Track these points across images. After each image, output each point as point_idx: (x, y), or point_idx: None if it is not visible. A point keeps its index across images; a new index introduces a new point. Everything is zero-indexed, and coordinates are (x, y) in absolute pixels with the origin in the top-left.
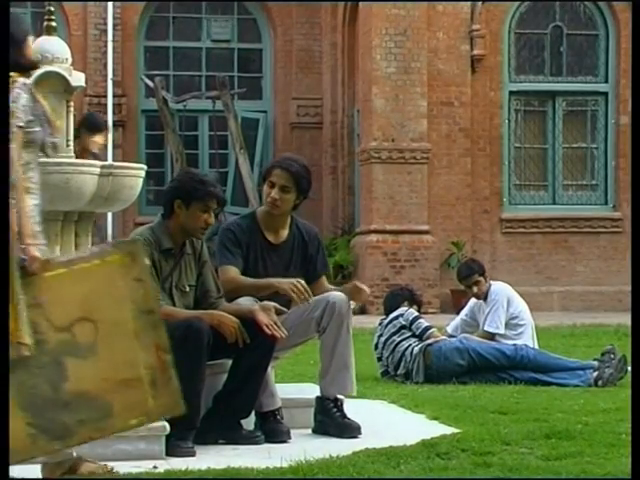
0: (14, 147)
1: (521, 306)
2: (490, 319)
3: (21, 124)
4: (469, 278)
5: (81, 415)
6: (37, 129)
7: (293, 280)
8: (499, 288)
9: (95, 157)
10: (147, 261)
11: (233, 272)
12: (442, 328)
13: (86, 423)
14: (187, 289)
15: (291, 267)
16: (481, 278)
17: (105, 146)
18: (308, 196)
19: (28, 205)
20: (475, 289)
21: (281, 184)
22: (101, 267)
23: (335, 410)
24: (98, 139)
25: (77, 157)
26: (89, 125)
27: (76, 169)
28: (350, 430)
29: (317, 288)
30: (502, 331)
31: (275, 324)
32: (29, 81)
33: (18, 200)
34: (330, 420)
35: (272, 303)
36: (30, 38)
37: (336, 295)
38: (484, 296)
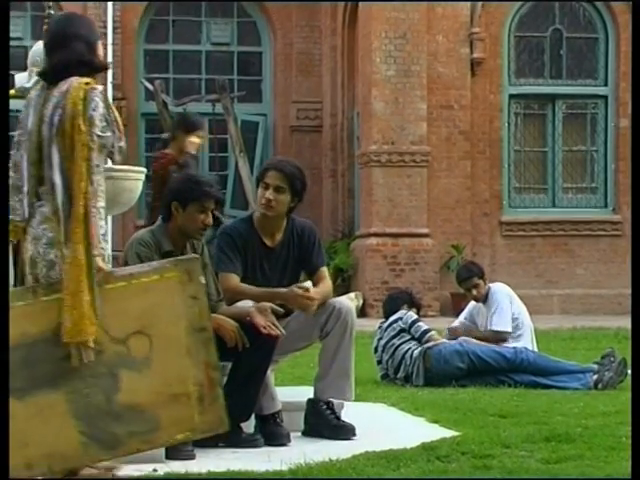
0: (94, 155)
1: (520, 308)
2: (497, 318)
3: (99, 133)
4: (468, 281)
5: (131, 427)
6: (109, 134)
7: (296, 289)
8: (499, 288)
9: (193, 158)
10: (203, 280)
11: (234, 280)
12: (442, 331)
13: (135, 435)
14: None
15: (288, 269)
16: (480, 281)
17: (202, 146)
18: (302, 199)
19: (96, 210)
20: (474, 292)
21: (275, 185)
22: (159, 283)
23: (329, 412)
24: (195, 139)
25: (174, 159)
26: (185, 125)
27: None
28: (345, 431)
29: (318, 281)
30: (510, 329)
31: (272, 324)
32: (102, 87)
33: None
34: (324, 422)
35: (268, 304)
36: (99, 42)
37: (342, 302)
38: (483, 299)
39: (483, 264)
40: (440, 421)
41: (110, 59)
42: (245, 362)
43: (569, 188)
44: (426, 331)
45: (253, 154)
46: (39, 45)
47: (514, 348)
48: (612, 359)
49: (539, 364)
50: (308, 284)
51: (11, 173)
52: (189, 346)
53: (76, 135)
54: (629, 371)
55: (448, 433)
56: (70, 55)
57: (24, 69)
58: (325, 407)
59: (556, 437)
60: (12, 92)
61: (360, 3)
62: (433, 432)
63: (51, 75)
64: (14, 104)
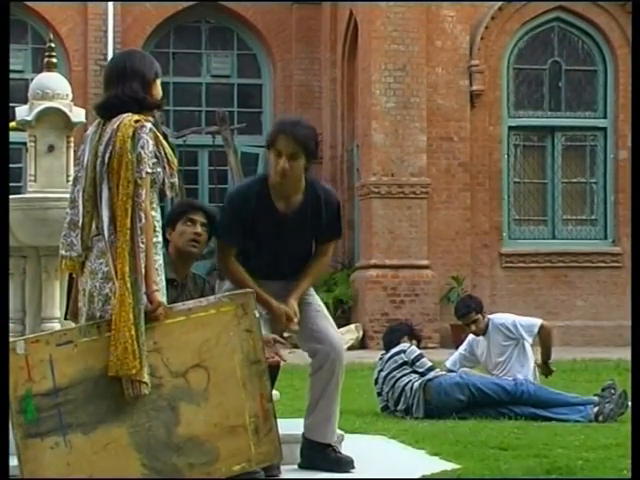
0: (142, 192)
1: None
2: (525, 334)
3: (150, 171)
4: (466, 317)
5: (191, 459)
6: (159, 170)
7: (288, 310)
8: (500, 316)
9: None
10: (257, 313)
11: (232, 260)
12: (441, 363)
13: (195, 467)
14: None
15: (303, 236)
16: (478, 316)
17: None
18: (317, 157)
19: (151, 247)
20: (473, 327)
21: (289, 152)
22: (216, 317)
23: (326, 446)
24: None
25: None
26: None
27: None
28: (343, 464)
29: (320, 251)
30: (537, 326)
31: (276, 354)
32: (151, 125)
33: (146, 242)
34: (321, 455)
35: (272, 335)
36: (159, 80)
37: (335, 344)
38: (483, 332)
39: (483, 295)
40: (441, 454)
41: None
42: None
43: (569, 220)
44: (430, 368)
45: None
46: (40, 78)
47: (514, 380)
48: (613, 391)
49: (539, 396)
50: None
51: (68, 210)
52: (244, 378)
53: (122, 172)
54: (630, 403)
55: (449, 466)
56: (124, 92)
57: (25, 102)
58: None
59: (557, 470)
60: (13, 125)
61: (360, 37)
62: (434, 465)
63: (105, 111)
64: (14, 137)
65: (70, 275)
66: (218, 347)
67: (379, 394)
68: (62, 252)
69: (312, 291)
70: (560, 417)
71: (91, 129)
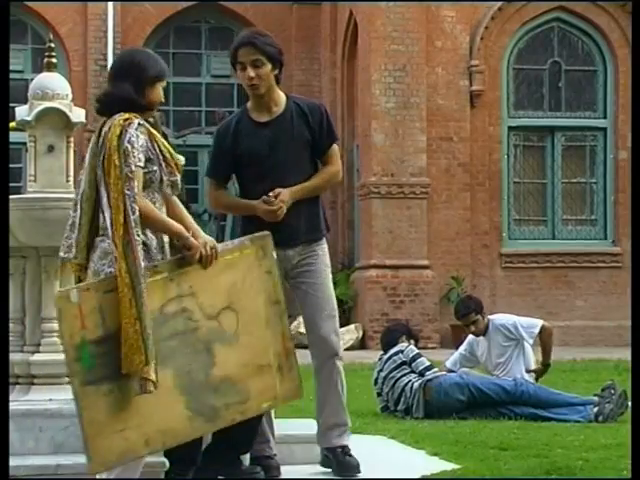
0: (135, 185)
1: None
2: (526, 335)
3: (140, 164)
4: (466, 317)
5: (227, 399)
6: (155, 168)
7: (262, 204)
8: (501, 316)
9: None
10: (275, 254)
11: (220, 192)
12: (441, 363)
13: (231, 406)
14: None
15: (296, 143)
16: (478, 316)
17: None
18: (283, 64)
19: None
20: (472, 328)
21: (250, 60)
22: (240, 259)
23: (338, 449)
24: None
25: None
26: None
27: None
28: (348, 468)
29: (328, 160)
30: (538, 326)
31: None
32: (143, 121)
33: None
34: (333, 456)
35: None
36: (162, 82)
37: (331, 349)
38: (483, 332)
39: (483, 296)
40: (440, 454)
41: None
42: None
43: (569, 220)
44: (428, 367)
45: None
46: (40, 78)
47: (514, 380)
48: (612, 391)
49: (539, 396)
50: (275, 192)
51: (71, 212)
52: (268, 319)
53: (112, 170)
54: (629, 403)
55: (448, 466)
56: (117, 91)
57: (25, 102)
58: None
59: (557, 470)
60: (12, 125)
61: (359, 37)
62: (433, 465)
63: (99, 105)
64: (14, 137)
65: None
66: (244, 289)
67: (379, 394)
68: (61, 254)
69: (319, 251)
70: (560, 417)
71: (97, 128)
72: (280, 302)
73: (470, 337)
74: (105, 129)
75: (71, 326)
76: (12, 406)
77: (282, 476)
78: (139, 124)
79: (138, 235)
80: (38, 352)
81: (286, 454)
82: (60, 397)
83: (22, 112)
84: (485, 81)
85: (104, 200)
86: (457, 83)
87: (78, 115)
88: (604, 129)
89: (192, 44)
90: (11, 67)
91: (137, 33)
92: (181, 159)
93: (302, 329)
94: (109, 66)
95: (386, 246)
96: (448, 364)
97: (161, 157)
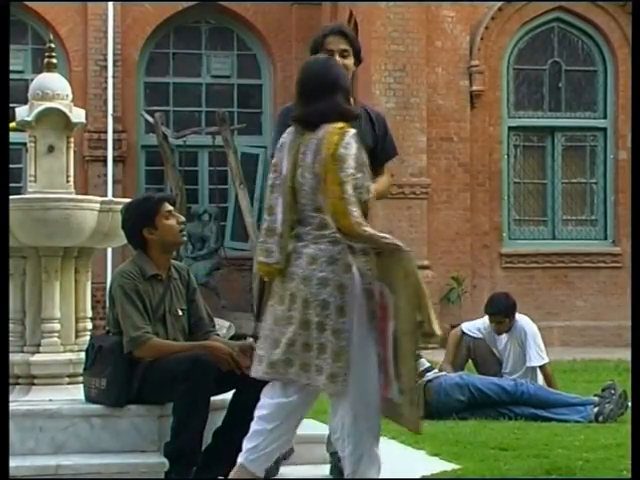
0: (350, 189)
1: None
2: (534, 354)
3: (352, 171)
4: (494, 316)
5: None
6: (359, 175)
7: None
8: (526, 322)
9: None
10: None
11: None
12: (439, 363)
13: None
14: (180, 313)
15: (362, 139)
16: (505, 319)
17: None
18: (361, 61)
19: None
20: (494, 325)
21: (340, 49)
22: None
23: None
24: None
25: None
26: None
27: (76, 205)
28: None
29: (382, 172)
30: (547, 359)
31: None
32: (355, 131)
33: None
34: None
35: (249, 342)
36: (340, 92)
37: None
38: (504, 332)
39: (483, 296)
40: (440, 454)
41: (110, 92)
42: (244, 394)
43: (569, 220)
44: (428, 369)
45: (253, 186)
46: (40, 78)
47: (514, 380)
48: (613, 391)
49: (539, 396)
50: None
51: (266, 216)
52: None
53: (329, 176)
54: (630, 403)
55: (448, 466)
56: (329, 105)
57: (25, 102)
58: None
59: (557, 470)
60: (12, 125)
61: (359, 37)
62: (433, 465)
63: (308, 122)
64: (14, 137)
65: (261, 280)
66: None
67: None
68: (260, 258)
69: None
70: (560, 417)
71: (287, 137)
72: None
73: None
74: (317, 138)
75: None
76: (12, 406)
77: (282, 476)
78: (354, 134)
79: (365, 232)
80: (38, 352)
81: (293, 454)
82: (60, 397)
83: (22, 112)
84: (485, 81)
85: (312, 206)
86: (457, 83)
87: (78, 115)
88: (604, 129)
89: (192, 44)
90: (11, 67)
91: (137, 33)
92: None
93: None
94: (297, 80)
95: None
96: (464, 326)
97: (364, 164)
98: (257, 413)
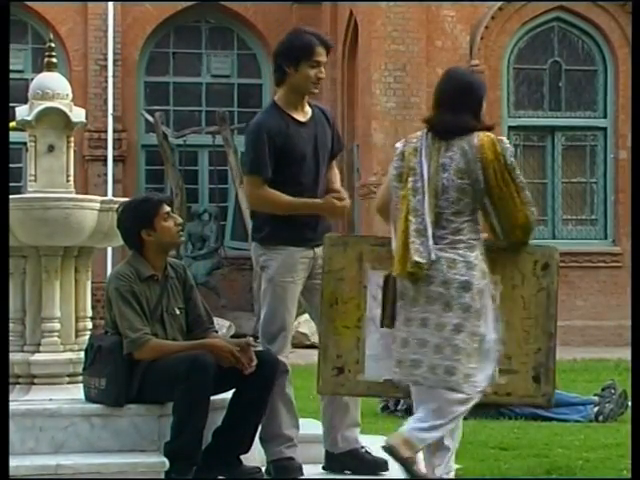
0: (526, 194)
1: None
2: None
3: (522, 177)
4: None
5: None
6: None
7: (332, 199)
8: None
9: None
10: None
11: (268, 190)
12: None
13: None
14: (177, 312)
15: (323, 149)
16: None
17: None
18: None
19: None
20: None
21: (324, 62)
22: None
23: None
24: None
25: None
26: None
27: (76, 204)
28: (380, 466)
29: (331, 169)
30: None
31: (250, 359)
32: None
33: None
34: (356, 456)
35: (245, 340)
36: (483, 103)
37: None
38: None
39: None
40: None
41: (110, 91)
42: (245, 394)
43: (569, 220)
44: None
45: None
46: (40, 78)
47: None
48: (613, 391)
49: None
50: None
51: (412, 218)
52: None
53: (501, 183)
54: (630, 403)
55: None
56: (475, 116)
57: (25, 102)
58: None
59: (557, 470)
60: (13, 125)
61: (360, 37)
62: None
63: (447, 131)
64: (14, 137)
65: (385, 281)
66: None
67: None
68: (416, 258)
69: None
70: (560, 417)
71: (423, 142)
72: None
73: None
74: (467, 145)
75: None
76: (12, 406)
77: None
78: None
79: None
80: (38, 352)
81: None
82: (60, 397)
83: (22, 112)
84: (485, 81)
85: (490, 213)
86: None
87: (78, 115)
88: (604, 129)
89: (192, 44)
90: (11, 67)
91: (137, 33)
92: None
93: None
94: (443, 89)
95: None
96: None
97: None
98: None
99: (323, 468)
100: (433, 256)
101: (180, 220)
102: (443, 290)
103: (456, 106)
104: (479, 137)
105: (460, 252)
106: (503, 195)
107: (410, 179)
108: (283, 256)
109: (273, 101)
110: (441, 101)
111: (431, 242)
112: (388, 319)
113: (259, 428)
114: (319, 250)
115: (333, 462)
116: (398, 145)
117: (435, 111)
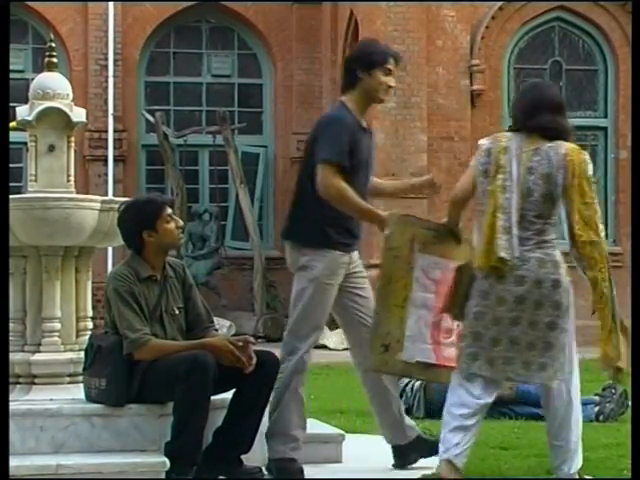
0: (596, 207)
1: None
2: None
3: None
4: None
5: None
6: None
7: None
8: None
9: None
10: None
11: (337, 178)
12: None
13: None
14: (177, 312)
15: (373, 155)
16: None
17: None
18: None
19: None
20: None
21: (394, 71)
22: None
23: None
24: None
25: None
26: None
27: (76, 204)
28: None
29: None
30: None
31: (249, 357)
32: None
33: None
34: (427, 443)
35: (243, 337)
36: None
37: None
38: None
39: None
40: None
41: (111, 91)
42: (245, 394)
43: None
44: None
45: (254, 185)
46: (40, 77)
47: None
48: (613, 391)
49: (540, 396)
50: None
51: (500, 215)
52: None
53: (576, 195)
54: (630, 403)
55: None
56: (566, 123)
57: (25, 102)
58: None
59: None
60: (13, 124)
61: (360, 37)
62: (434, 465)
63: (547, 135)
64: (15, 137)
65: (459, 272)
66: None
67: None
68: (503, 254)
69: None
70: None
71: (512, 144)
72: None
73: None
74: (554, 151)
75: None
76: (12, 406)
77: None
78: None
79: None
80: (39, 352)
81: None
82: (61, 397)
83: (23, 112)
84: (486, 80)
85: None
86: (458, 82)
87: (79, 115)
88: (605, 129)
89: (193, 44)
90: (11, 67)
91: (137, 33)
92: None
93: None
94: (532, 97)
95: None
96: None
97: None
98: (457, 411)
99: (393, 466)
100: (517, 253)
101: (181, 223)
102: (534, 289)
103: (561, 112)
104: (567, 146)
105: (547, 251)
106: (577, 200)
107: (500, 176)
108: (328, 259)
109: (342, 102)
110: (535, 107)
111: (515, 240)
112: (458, 309)
113: (266, 424)
114: (355, 255)
115: (405, 455)
116: (484, 142)
117: (537, 115)
